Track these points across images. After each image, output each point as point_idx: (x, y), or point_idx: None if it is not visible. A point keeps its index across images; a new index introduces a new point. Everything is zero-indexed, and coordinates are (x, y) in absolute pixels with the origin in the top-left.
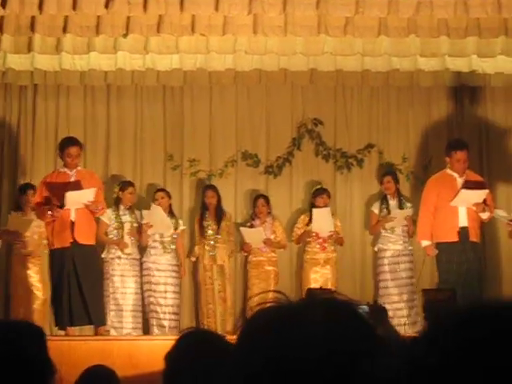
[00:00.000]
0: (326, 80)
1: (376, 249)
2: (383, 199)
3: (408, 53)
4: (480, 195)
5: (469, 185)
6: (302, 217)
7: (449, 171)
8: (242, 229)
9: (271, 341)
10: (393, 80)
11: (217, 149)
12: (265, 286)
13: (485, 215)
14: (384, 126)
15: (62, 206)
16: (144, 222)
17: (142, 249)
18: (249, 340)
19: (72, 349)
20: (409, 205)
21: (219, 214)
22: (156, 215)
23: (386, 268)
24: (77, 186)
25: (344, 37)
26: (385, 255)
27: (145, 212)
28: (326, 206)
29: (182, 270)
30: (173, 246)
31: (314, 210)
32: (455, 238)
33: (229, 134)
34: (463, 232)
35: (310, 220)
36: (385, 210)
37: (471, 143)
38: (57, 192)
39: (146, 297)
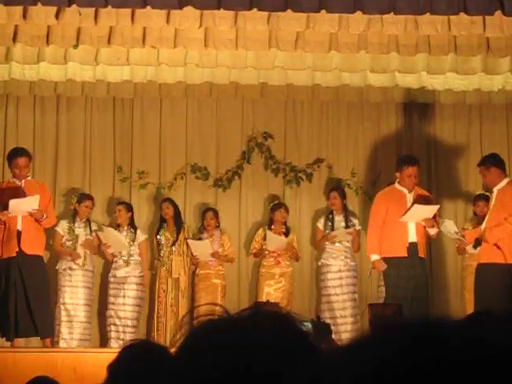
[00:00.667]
0: (277, 94)
1: (319, 264)
2: (329, 215)
3: (358, 68)
4: (431, 210)
5: (421, 200)
6: (260, 230)
7: (398, 186)
8: (189, 241)
9: (210, 353)
10: (343, 95)
11: (166, 161)
12: (212, 298)
13: (433, 231)
14: (334, 141)
15: (5, 208)
16: (103, 242)
17: (107, 263)
18: (189, 352)
19: (16, 361)
20: (355, 221)
21: (178, 226)
22: (110, 236)
23: (329, 283)
24: (21, 194)
25: (295, 51)
26: (328, 270)
27: (100, 234)
28: (284, 219)
29: (145, 281)
30: (134, 258)
31: (268, 233)
32: (404, 254)
33: (178, 147)
34: (412, 247)
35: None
36: (329, 225)
37: (420, 159)
38: (3, 198)
39: (108, 309)
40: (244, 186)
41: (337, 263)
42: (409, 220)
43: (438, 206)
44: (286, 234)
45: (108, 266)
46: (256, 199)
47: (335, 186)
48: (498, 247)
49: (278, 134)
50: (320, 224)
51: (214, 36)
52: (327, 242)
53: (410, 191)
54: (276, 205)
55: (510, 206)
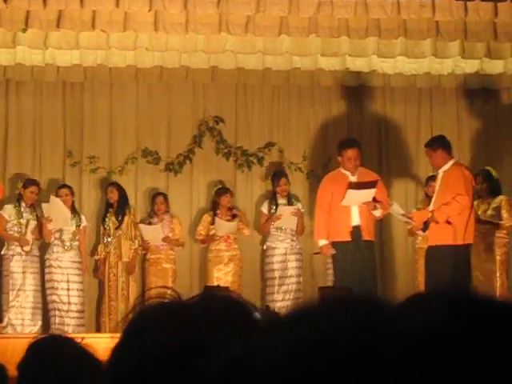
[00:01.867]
0: (227, 78)
1: (264, 247)
2: (272, 198)
3: (309, 52)
4: (367, 195)
5: (354, 185)
6: (205, 216)
7: (342, 170)
8: (140, 226)
9: (156, 333)
10: (294, 79)
11: (117, 146)
12: (162, 283)
13: (377, 213)
14: (285, 125)
15: None
16: (45, 216)
17: (46, 246)
18: (135, 332)
19: None
20: (299, 204)
21: (121, 210)
22: (55, 207)
23: (275, 266)
24: None
25: (245, 35)
26: (273, 253)
27: (44, 205)
28: (230, 204)
29: (84, 267)
30: (74, 243)
31: (217, 220)
32: (348, 237)
33: (129, 131)
34: (356, 231)
35: (214, 221)
36: (274, 208)
37: (371, 142)
38: None
39: (49, 295)
40: (195, 170)
41: (282, 246)
42: (349, 204)
43: (374, 190)
44: (233, 218)
45: (45, 248)
46: (207, 183)
47: (283, 172)
48: (449, 223)
49: (229, 117)
50: (264, 208)
51: (164, 20)
52: (273, 227)
53: (353, 174)
54: (221, 189)
55: (456, 186)
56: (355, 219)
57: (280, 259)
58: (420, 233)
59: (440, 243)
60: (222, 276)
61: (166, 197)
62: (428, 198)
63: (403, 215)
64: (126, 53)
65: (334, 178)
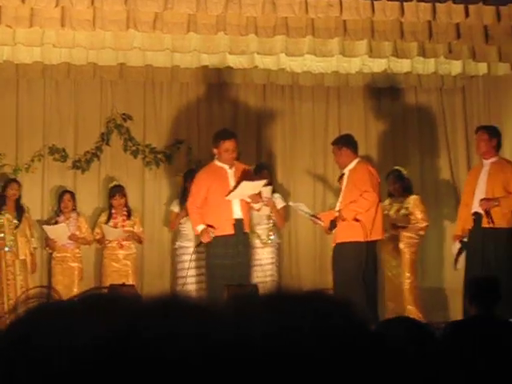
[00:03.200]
0: (136, 75)
1: (176, 246)
2: (182, 196)
3: (217, 50)
4: (258, 186)
5: (248, 177)
6: (102, 216)
7: (218, 163)
8: (45, 227)
9: (33, 337)
10: (202, 76)
11: (23, 143)
12: (69, 282)
13: (257, 206)
14: (193, 122)
15: None
16: None
17: None
18: (12, 334)
19: None
20: None
21: (20, 208)
22: None
23: (186, 265)
24: None
25: (153, 32)
26: (185, 252)
27: None
28: (121, 206)
29: None
30: None
31: (104, 227)
32: (231, 231)
33: (36, 128)
34: (238, 224)
35: (107, 221)
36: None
37: (279, 140)
38: None
39: None
40: (103, 167)
41: (193, 245)
42: (235, 198)
43: (264, 181)
44: (129, 216)
45: None
46: (115, 181)
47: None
48: (357, 220)
49: (138, 115)
50: (174, 207)
51: (70, 16)
52: (183, 225)
53: (230, 167)
54: (112, 190)
55: (362, 183)
56: (237, 212)
57: (192, 258)
58: (328, 232)
59: (347, 240)
60: (118, 274)
61: (72, 194)
62: None
63: (311, 216)
64: (32, 49)
65: (210, 172)
